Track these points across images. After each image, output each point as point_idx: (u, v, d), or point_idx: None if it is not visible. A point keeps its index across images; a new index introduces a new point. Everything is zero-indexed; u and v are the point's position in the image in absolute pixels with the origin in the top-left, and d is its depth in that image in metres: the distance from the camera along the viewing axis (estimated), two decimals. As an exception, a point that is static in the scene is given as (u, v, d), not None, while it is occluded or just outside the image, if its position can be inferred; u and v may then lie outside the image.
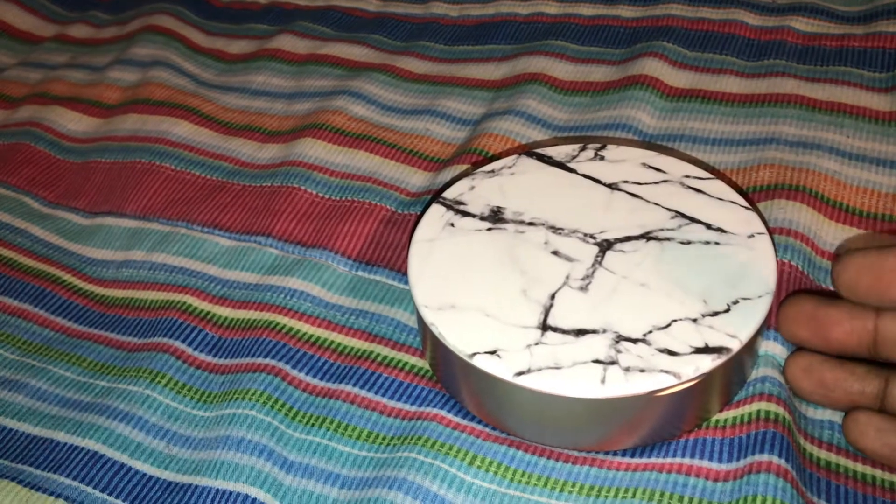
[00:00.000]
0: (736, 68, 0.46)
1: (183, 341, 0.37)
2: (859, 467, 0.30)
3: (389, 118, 0.47)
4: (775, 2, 0.50)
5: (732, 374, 0.30)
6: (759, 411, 0.30)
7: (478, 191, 0.36)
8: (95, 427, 0.34)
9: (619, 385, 0.29)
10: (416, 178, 0.43)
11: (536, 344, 0.30)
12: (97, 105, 0.52)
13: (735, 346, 0.29)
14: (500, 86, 0.48)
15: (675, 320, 0.30)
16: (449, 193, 0.36)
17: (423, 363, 0.35)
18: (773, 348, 0.33)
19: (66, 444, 0.34)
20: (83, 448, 0.34)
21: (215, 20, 0.58)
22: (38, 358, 0.38)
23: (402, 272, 0.39)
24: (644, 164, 0.37)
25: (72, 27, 0.60)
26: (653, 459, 0.30)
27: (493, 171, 0.37)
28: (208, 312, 0.38)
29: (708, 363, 0.29)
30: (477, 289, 0.32)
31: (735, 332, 0.30)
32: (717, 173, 0.41)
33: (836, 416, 0.31)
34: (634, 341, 0.30)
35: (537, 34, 0.51)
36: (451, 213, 0.35)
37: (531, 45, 0.50)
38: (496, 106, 0.46)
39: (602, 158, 0.37)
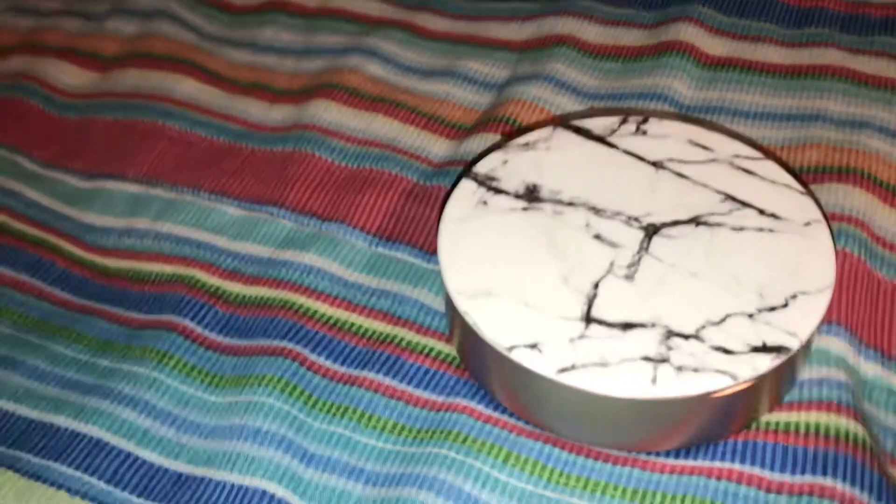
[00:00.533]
0: (776, 36, 0.44)
1: (192, 319, 0.35)
2: None
3: (408, 79, 0.44)
4: (817, -34, 0.48)
5: (786, 373, 0.28)
6: (818, 424, 0.29)
7: (511, 166, 0.34)
8: (99, 412, 0.32)
9: (671, 385, 0.27)
10: (438, 147, 0.41)
11: (580, 338, 0.28)
12: (95, 57, 0.48)
13: (794, 345, 0.27)
14: (525, 48, 0.45)
15: (729, 315, 0.28)
16: (480, 167, 0.34)
17: (449, 349, 0.33)
18: (826, 342, 0.31)
19: (66, 429, 0.32)
20: (85, 434, 0.31)
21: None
22: (36, 334, 0.35)
23: (425, 250, 0.36)
24: (690, 141, 0.34)
25: (64, -30, 0.56)
26: (699, 462, 0.29)
27: (527, 144, 0.35)
28: (218, 288, 0.36)
29: (766, 363, 0.27)
30: (513, 275, 0.30)
31: (794, 329, 0.28)
32: (767, 153, 0.38)
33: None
34: (686, 337, 0.28)
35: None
36: (483, 189, 0.33)
37: (557, 5, 0.47)
38: (522, 69, 0.44)
39: (644, 133, 0.35)
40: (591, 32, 0.45)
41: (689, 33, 0.44)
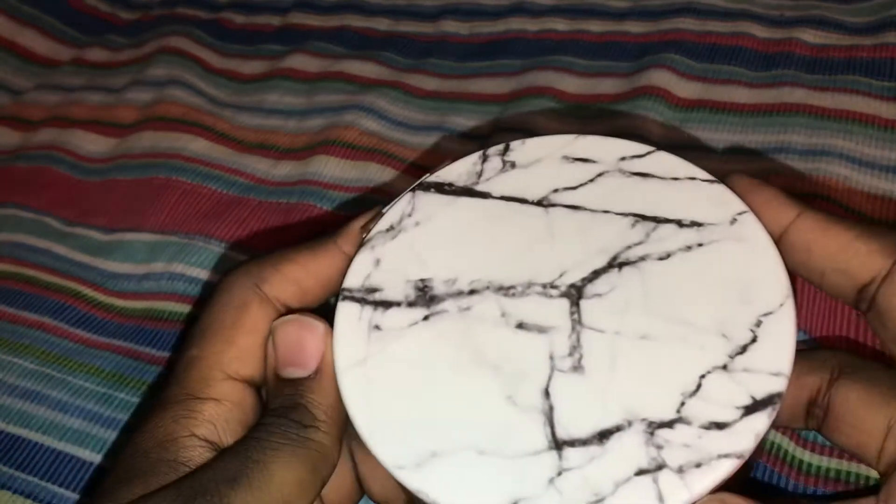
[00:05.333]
0: (744, 79, 0.47)
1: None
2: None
3: (400, 133, 0.48)
4: (783, 15, 0.51)
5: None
6: None
7: (386, 263, 0.26)
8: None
9: (681, 494, 0.22)
10: None
11: (559, 474, 0.22)
12: (115, 125, 0.53)
13: (783, 385, 0.23)
14: (509, 99, 0.48)
15: (702, 376, 0.23)
16: (352, 282, 0.26)
17: None
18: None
19: (91, 463, 0.34)
20: None
21: (229, 42, 0.59)
22: (57, 368, 0.38)
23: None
24: (566, 157, 0.28)
25: (89, 51, 0.61)
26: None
27: (392, 228, 0.27)
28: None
29: (764, 421, 0.22)
30: (450, 417, 0.23)
31: (777, 367, 0.23)
32: (653, 144, 0.29)
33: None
34: (671, 424, 0.23)
35: (546, 50, 0.52)
36: (368, 309, 0.26)
37: (540, 61, 0.51)
38: (503, 121, 0.47)
39: (513, 166, 0.28)
40: (570, 84, 0.49)
41: (661, 78, 0.47)
